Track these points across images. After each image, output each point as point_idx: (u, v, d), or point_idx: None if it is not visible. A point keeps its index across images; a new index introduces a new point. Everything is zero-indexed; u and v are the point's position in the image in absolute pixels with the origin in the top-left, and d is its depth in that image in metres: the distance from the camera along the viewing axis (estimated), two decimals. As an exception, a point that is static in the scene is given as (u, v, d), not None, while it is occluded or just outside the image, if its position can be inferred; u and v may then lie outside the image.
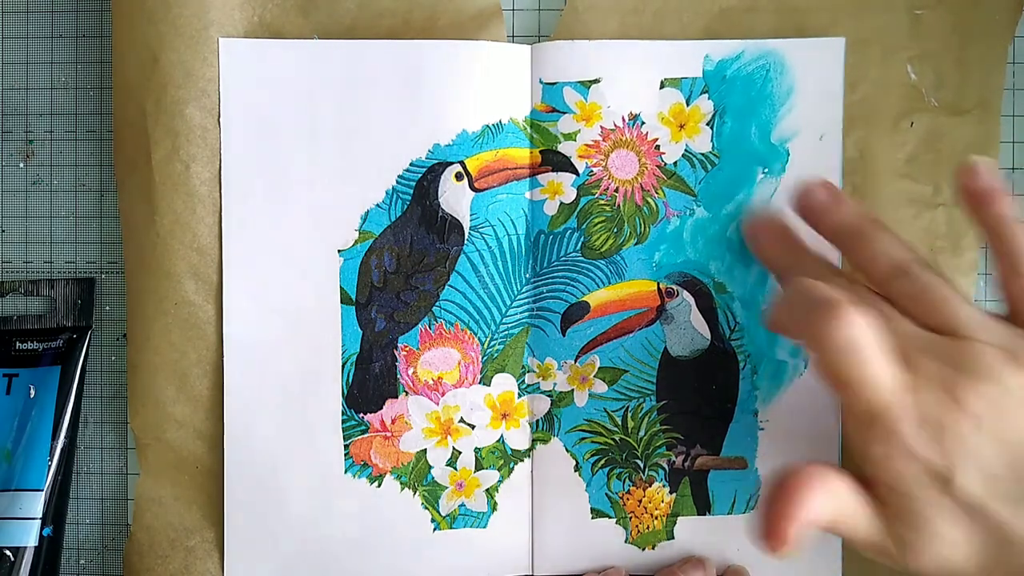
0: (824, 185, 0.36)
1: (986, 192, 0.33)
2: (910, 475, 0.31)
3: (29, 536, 0.39)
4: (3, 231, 0.41)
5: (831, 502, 0.32)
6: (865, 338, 0.31)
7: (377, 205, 0.39)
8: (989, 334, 0.32)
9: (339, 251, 0.39)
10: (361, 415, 0.39)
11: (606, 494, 0.40)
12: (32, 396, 0.40)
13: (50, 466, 0.39)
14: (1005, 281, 0.33)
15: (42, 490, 0.39)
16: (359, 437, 0.39)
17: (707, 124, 0.39)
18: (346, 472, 0.39)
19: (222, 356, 0.39)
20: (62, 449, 0.40)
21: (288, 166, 0.39)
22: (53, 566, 0.40)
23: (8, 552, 0.39)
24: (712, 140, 0.39)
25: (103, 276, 0.41)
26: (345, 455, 0.39)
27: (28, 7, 0.41)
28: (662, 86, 0.39)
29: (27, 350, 0.40)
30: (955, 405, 0.31)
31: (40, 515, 0.39)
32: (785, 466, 0.32)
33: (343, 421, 0.39)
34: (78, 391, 0.40)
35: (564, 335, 0.40)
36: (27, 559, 0.39)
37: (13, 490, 0.39)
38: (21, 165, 0.41)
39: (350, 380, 0.39)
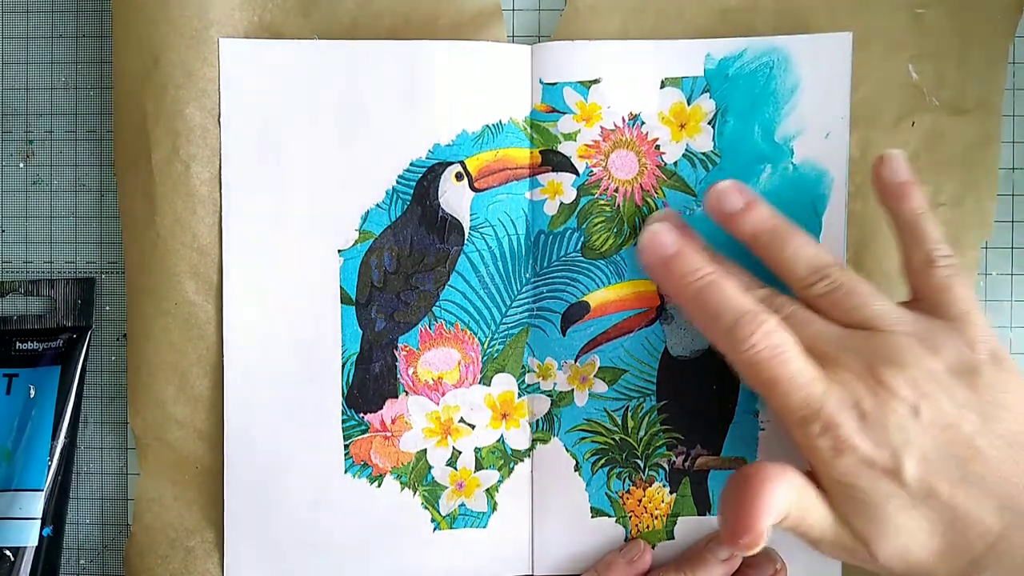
0: (737, 188, 0.37)
1: (900, 186, 0.35)
2: (858, 469, 0.32)
3: (29, 536, 0.39)
4: (3, 231, 0.41)
5: (793, 495, 0.33)
6: (786, 340, 0.33)
7: (377, 205, 0.39)
8: (904, 325, 0.33)
9: (339, 251, 0.39)
10: (361, 415, 0.39)
11: (606, 494, 0.40)
12: (32, 396, 0.40)
13: (50, 466, 0.39)
14: (918, 270, 0.35)
15: (42, 490, 0.39)
16: (359, 437, 0.39)
17: (708, 123, 0.39)
18: (346, 472, 0.39)
19: (222, 356, 0.39)
20: (62, 449, 0.40)
21: (288, 166, 0.39)
22: (53, 566, 0.40)
23: (8, 552, 0.39)
24: (713, 139, 0.39)
25: (103, 276, 0.41)
26: (345, 455, 0.39)
27: (28, 7, 0.41)
28: (663, 86, 0.39)
29: (27, 350, 0.40)
30: (887, 394, 0.32)
31: (40, 515, 0.39)
32: (742, 467, 0.33)
33: (343, 421, 0.39)
34: (78, 391, 0.40)
35: (564, 335, 0.40)
36: (27, 559, 0.39)
37: (13, 490, 0.39)
38: (21, 165, 0.41)
39: (350, 380, 0.39)
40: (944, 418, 0.32)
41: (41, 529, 0.39)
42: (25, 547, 0.39)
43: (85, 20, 0.41)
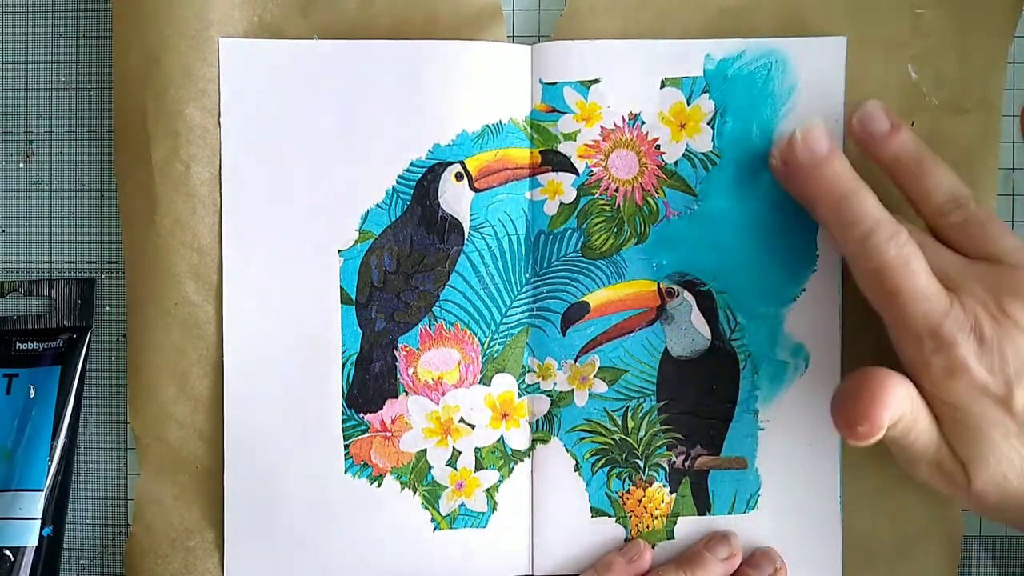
0: (884, 110, 0.37)
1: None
2: (971, 392, 0.33)
3: (29, 536, 0.39)
4: (3, 231, 0.41)
5: (908, 401, 0.33)
6: (916, 253, 0.33)
7: (377, 205, 0.39)
8: None
9: (339, 251, 0.39)
10: (361, 415, 0.39)
11: (606, 494, 0.40)
12: (32, 396, 0.40)
13: (50, 466, 0.39)
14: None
15: (42, 490, 0.39)
16: (359, 437, 0.39)
17: (708, 124, 0.39)
18: (346, 472, 0.39)
19: (222, 356, 0.39)
20: (62, 449, 0.40)
21: (288, 166, 0.39)
22: (53, 566, 0.40)
23: (8, 552, 0.39)
24: (713, 140, 0.39)
25: (103, 276, 0.41)
26: (345, 455, 0.39)
27: (28, 7, 0.41)
28: (663, 86, 0.39)
29: (27, 350, 0.40)
30: (1009, 323, 0.33)
31: (40, 515, 0.39)
32: (860, 370, 0.34)
33: (343, 421, 0.39)
34: (78, 391, 0.40)
35: (564, 335, 0.40)
36: (27, 559, 0.39)
37: (13, 490, 0.39)
38: (21, 165, 0.41)
39: (350, 380, 0.39)
40: None
41: (41, 529, 0.39)
42: (25, 547, 0.39)
43: (85, 20, 0.41)
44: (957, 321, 0.33)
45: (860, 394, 0.33)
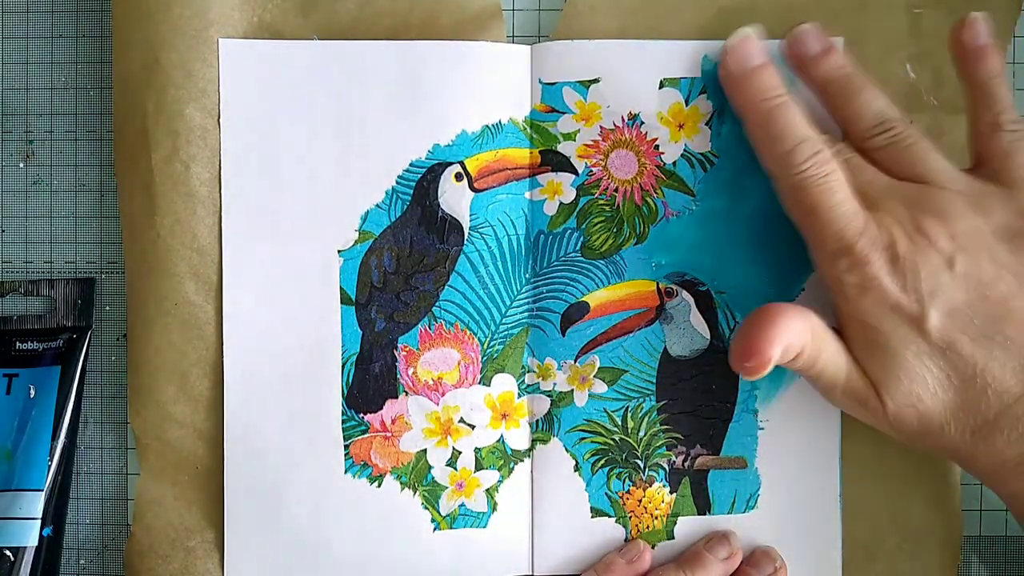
0: (815, 32, 0.37)
1: (979, 49, 0.35)
2: (882, 309, 0.33)
3: (29, 536, 0.39)
4: (3, 231, 0.41)
5: (807, 333, 0.33)
6: (835, 171, 0.33)
7: (377, 205, 0.39)
8: (958, 184, 0.34)
9: (339, 251, 0.39)
10: (361, 415, 0.40)
11: (606, 494, 0.40)
12: (32, 396, 0.40)
13: (50, 466, 0.39)
14: (984, 134, 0.35)
15: (42, 490, 0.39)
16: (359, 437, 0.40)
17: (706, 124, 0.39)
18: (346, 472, 0.39)
19: (222, 356, 0.39)
20: (62, 449, 0.40)
21: (288, 166, 0.39)
22: (53, 566, 0.40)
23: (8, 552, 0.39)
24: (711, 140, 0.39)
25: (103, 276, 0.41)
26: (345, 455, 0.39)
27: (28, 7, 0.41)
28: (661, 86, 0.39)
29: (27, 350, 0.40)
30: (925, 242, 0.32)
31: (40, 515, 0.39)
32: (758, 308, 0.34)
33: (343, 421, 0.39)
34: (78, 391, 0.40)
35: (564, 335, 0.40)
36: (27, 559, 0.39)
37: (13, 490, 0.39)
38: (21, 165, 0.41)
39: (350, 380, 0.39)
40: (980, 275, 0.32)
41: (41, 529, 0.39)
42: (25, 547, 0.39)
43: (85, 20, 0.41)
44: (870, 239, 0.33)
45: (750, 329, 0.33)
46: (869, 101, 0.36)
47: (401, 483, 0.40)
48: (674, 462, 0.40)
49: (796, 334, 0.33)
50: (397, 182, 0.39)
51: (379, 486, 0.40)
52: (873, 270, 0.33)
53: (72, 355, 0.40)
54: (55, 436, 0.40)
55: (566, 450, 0.40)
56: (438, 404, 0.40)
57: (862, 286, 0.33)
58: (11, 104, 0.41)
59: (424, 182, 0.39)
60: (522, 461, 0.40)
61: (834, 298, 0.34)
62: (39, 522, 0.39)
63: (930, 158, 0.35)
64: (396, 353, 0.40)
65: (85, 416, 0.41)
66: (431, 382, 0.40)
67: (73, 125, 0.41)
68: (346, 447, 0.39)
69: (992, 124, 0.35)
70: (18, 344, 0.40)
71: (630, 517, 0.40)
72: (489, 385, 0.40)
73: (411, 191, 0.39)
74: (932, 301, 0.32)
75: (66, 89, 0.41)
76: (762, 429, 0.40)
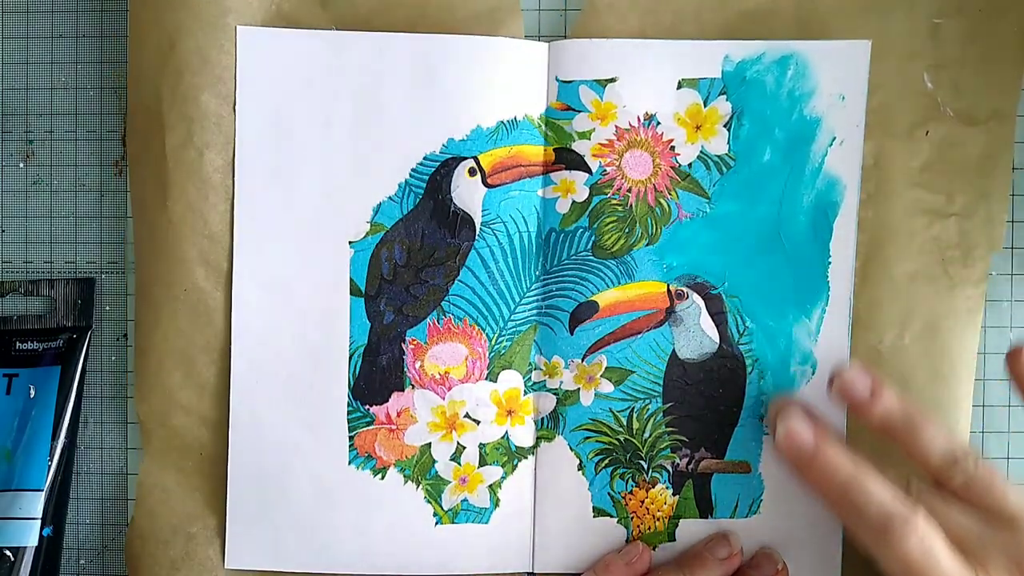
0: (861, 376, 0.37)
1: None
2: None
3: (29, 536, 0.39)
4: (3, 231, 0.41)
5: None
6: (936, 537, 0.33)
7: (389, 198, 0.39)
8: None
9: (350, 242, 0.39)
10: (367, 407, 0.39)
11: (608, 494, 0.40)
12: (32, 396, 0.40)
13: (50, 466, 0.39)
14: None
15: (42, 490, 0.39)
16: (364, 429, 0.39)
17: (724, 126, 0.39)
18: (350, 463, 0.39)
19: (230, 343, 0.39)
20: (62, 449, 0.40)
21: (302, 156, 0.39)
22: (53, 566, 0.40)
23: (8, 552, 0.39)
24: (728, 142, 0.39)
25: (103, 276, 0.41)
26: (350, 447, 0.39)
27: (28, 7, 0.41)
28: (679, 86, 0.39)
29: (27, 350, 0.40)
30: None
31: (40, 515, 0.39)
32: None
33: (349, 412, 0.39)
34: (78, 391, 0.40)
35: (572, 334, 0.40)
36: (27, 559, 0.39)
37: (13, 490, 0.39)
38: (21, 165, 0.41)
39: (357, 372, 0.39)
40: None
41: (41, 529, 0.39)
42: (25, 547, 0.39)
43: (85, 20, 0.41)
44: None
45: None
46: (933, 438, 0.35)
47: (404, 476, 0.40)
48: (678, 464, 0.40)
49: None
50: (410, 175, 0.39)
51: (382, 478, 0.40)
52: None
53: (72, 355, 0.40)
54: (55, 436, 0.39)
55: (570, 449, 0.40)
56: (444, 398, 0.40)
57: None
58: (11, 104, 0.41)
59: (437, 176, 0.39)
60: (526, 458, 0.40)
61: None
62: (39, 522, 0.39)
63: (1010, 494, 0.35)
64: (404, 346, 0.40)
65: (85, 416, 0.41)
66: (438, 376, 0.40)
67: (73, 125, 0.41)
68: (351, 438, 0.39)
69: None
70: (18, 344, 0.40)
71: (632, 518, 0.40)
72: (496, 381, 0.40)
73: (424, 184, 0.39)
74: None
75: (66, 89, 0.41)
76: (767, 435, 0.40)
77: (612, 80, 0.39)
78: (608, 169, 0.39)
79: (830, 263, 0.39)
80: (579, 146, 0.39)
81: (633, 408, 0.40)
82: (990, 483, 0.35)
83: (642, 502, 0.40)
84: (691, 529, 0.40)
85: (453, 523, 0.40)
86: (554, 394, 0.40)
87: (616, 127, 0.39)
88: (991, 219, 0.40)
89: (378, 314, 0.39)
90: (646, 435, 0.40)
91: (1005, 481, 0.35)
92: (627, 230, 0.40)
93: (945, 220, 0.39)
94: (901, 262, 0.39)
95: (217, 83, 0.38)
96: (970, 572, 0.33)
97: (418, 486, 0.40)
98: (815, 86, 0.39)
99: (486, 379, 0.40)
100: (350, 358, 0.39)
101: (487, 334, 0.40)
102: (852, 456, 0.36)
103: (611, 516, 0.40)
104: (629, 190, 0.40)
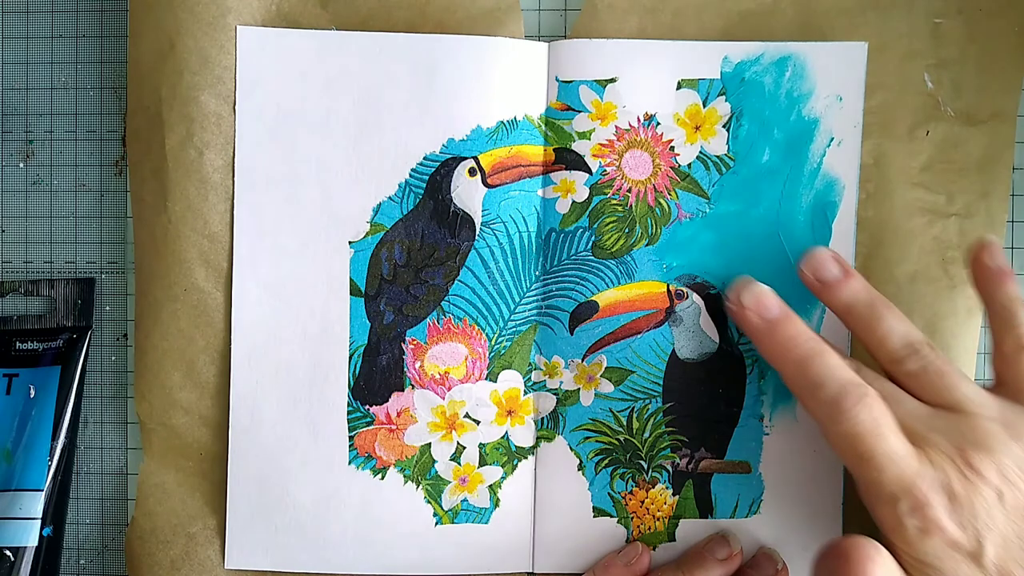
0: (834, 258, 0.37)
1: (999, 272, 0.36)
2: (944, 549, 0.33)
3: (29, 536, 0.39)
4: (3, 231, 0.41)
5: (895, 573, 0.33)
6: (885, 414, 0.33)
7: (389, 198, 0.39)
8: (990, 409, 0.34)
9: (350, 242, 0.39)
10: (367, 407, 0.39)
11: (608, 493, 0.40)
12: (32, 396, 0.40)
13: (50, 466, 0.39)
14: (1007, 355, 0.35)
15: (42, 490, 0.39)
16: (364, 429, 0.39)
17: (723, 126, 0.39)
18: (350, 463, 0.39)
19: (230, 343, 0.39)
20: (62, 449, 0.40)
21: (302, 156, 0.39)
22: (53, 566, 0.40)
23: (8, 552, 0.39)
24: (728, 143, 0.39)
25: (103, 276, 0.41)
26: (349, 446, 0.39)
27: (28, 7, 0.41)
28: (679, 87, 0.39)
29: (27, 350, 0.40)
30: (977, 478, 0.33)
31: (40, 515, 0.39)
32: (835, 541, 0.33)
33: (348, 412, 0.39)
34: (78, 391, 0.40)
35: (572, 334, 0.40)
36: (27, 559, 0.39)
37: (13, 490, 0.39)
38: (21, 165, 0.41)
39: (357, 372, 0.39)
40: (1022, 503, 0.33)
41: (41, 529, 0.39)
42: (25, 547, 0.39)
43: (85, 20, 0.41)
44: (929, 480, 0.33)
45: (845, 570, 0.33)
46: (894, 326, 0.36)
47: (404, 476, 0.40)
48: (678, 464, 0.40)
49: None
50: (410, 175, 0.39)
51: (382, 478, 0.40)
52: (935, 512, 0.32)
53: (72, 355, 0.40)
54: (55, 436, 0.40)
55: (570, 449, 0.40)
56: (444, 398, 0.40)
57: (924, 528, 0.33)
58: (11, 104, 0.41)
59: (437, 176, 0.39)
60: (526, 458, 0.40)
61: (891, 539, 0.34)
62: (39, 522, 0.39)
63: (962, 385, 0.35)
64: (404, 346, 0.40)
65: (85, 416, 0.41)
66: (438, 376, 0.40)
67: (73, 125, 0.41)
68: (351, 438, 0.39)
69: (1016, 346, 0.35)
70: (18, 344, 0.40)
71: (632, 518, 0.40)
72: (496, 381, 0.40)
73: (424, 184, 0.39)
74: (988, 535, 0.32)
75: (66, 89, 0.41)
76: (767, 435, 0.40)
77: (612, 80, 0.39)
78: (608, 169, 0.39)
79: (830, 263, 0.39)
80: (579, 146, 0.39)
81: (633, 408, 0.40)
82: (943, 371, 0.35)
83: (642, 502, 0.40)
84: (691, 529, 0.40)
85: (453, 523, 0.40)
86: (554, 394, 0.40)
87: (616, 127, 0.39)
88: (991, 219, 0.40)
89: (378, 314, 0.39)
90: (646, 435, 0.40)
91: (958, 371, 0.35)
92: (627, 230, 0.40)
93: (945, 220, 0.39)
94: (901, 262, 0.39)
95: (217, 83, 0.38)
96: (912, 450, 0.33)
97: (418, 486, 0.40)
98: (813, 87, 0.39)
99: (486, 379, 0.40)
100: (350, 358, 0.39)
101: (487, 334, 0.40)
102: (813, 332, 0.36)
103: (611, 516, 0.40)
104: (629, 190, 0.40)
